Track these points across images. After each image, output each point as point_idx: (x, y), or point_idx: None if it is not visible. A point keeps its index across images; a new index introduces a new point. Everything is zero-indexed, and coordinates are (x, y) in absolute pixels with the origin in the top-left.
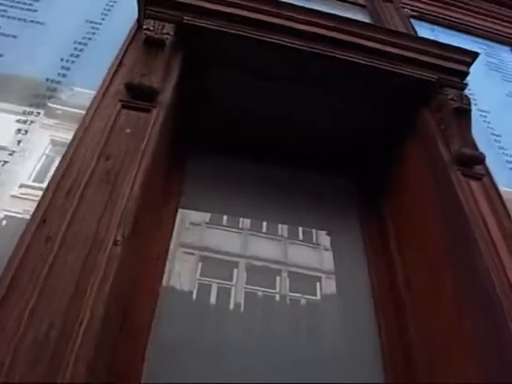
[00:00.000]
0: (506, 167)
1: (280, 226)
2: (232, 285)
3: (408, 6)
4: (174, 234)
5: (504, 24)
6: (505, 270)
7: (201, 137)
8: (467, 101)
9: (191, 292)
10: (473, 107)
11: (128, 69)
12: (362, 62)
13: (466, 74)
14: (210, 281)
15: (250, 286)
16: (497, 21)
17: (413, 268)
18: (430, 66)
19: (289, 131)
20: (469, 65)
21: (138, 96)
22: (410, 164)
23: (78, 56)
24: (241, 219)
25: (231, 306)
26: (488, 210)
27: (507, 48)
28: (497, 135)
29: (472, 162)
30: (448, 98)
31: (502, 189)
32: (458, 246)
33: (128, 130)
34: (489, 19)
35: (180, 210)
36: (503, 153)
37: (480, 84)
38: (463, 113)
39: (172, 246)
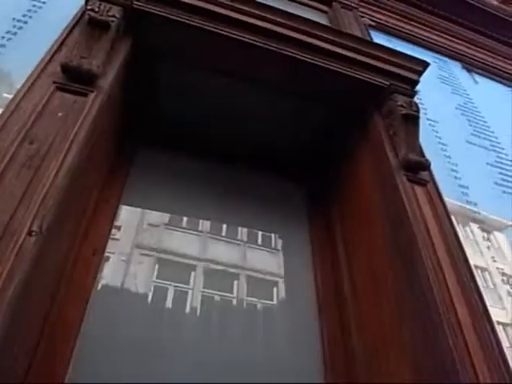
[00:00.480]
0: (450, 175)
1: (240, 229)
2: (189, 288)
3: (367, 16)
4: (132, 234)
5: (457, 41)
6: (444, 276)
7: (152, 131)
8: (416, 108)
9: (146, 294)
10: (423, 116)
11: (68, 50)
12: (315, 62)
13: (417, 82)
14: (166, 284)
15: (207, 290)
16: (450, 37)
17: (358, 273)
18: (382, 71)
19: (241, 131)
20: (420, 73)
21: (75, 79)
22: (360, 168)
23: (15, 34)
24: (200, 222)
25: (187, 309)
26: (430, 216)
27: (458, 63)
28: (444, 144)
29: (418, 168)
30: (397, 105)
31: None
32: (401, 251)
33: (60, 114)
34: (443, 35)
35: (139, 210)
36: (448, 162)
37: (431, 95)
38: (411, 119)
39: (128, 247)
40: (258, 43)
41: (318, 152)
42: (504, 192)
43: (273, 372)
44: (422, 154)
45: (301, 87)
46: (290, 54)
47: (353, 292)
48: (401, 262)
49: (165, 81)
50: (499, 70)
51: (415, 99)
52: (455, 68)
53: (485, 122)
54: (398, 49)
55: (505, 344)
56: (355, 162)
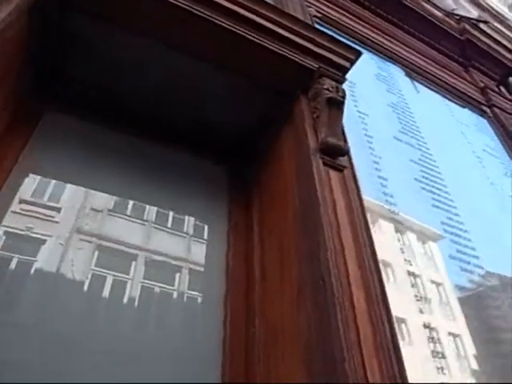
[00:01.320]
0: (371, 166)
1: (170, 213)
2: (129, 278)
3: (314, 7)
4: (72, 218)
5: (398, 44)
6: (346, 262)
7: (65, 94)
8: (343, 94)
9: (83, 282)
10: (353, 108)
11: None
12: (251, 38)
13: (347, 69)
14: (105, 272)
15: (147, 281)
16: (392, 39)
17: (269, 257)
18: (313, 54)
19: (166, 106)
20: (351, 62)
21: None
22: (282, 151)
23: None
24: (146, 210)
25: (125, 300)
26: (342, 201)
27: (397, 65)
28: (369, 136)
29: (336, 153)
30: (324, 88)
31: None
32: (308, 234)
33: None
34: (386, 36)
35: (82, 193)
36: (371, 153)
37: (366, 90)
38: (336, 104)
39: (67, 232)
40: (181, 5)
41: (246, 133)
42: (422, 188)
43: (169, 360)
44: (343, 140)
45: (233, 63)
46: (226, 26)
47: (262, 276)
48: (306, 245)
49: (81, 35)
50: (436, 77)
51: (348, 89)
52: (394, 69)
53: (414, 121)
54: None
55: None
56: (279, 144)
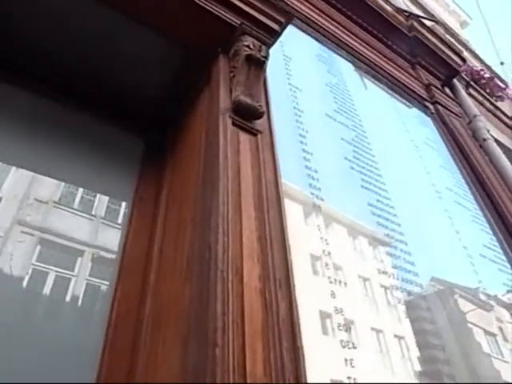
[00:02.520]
0: (297, 140)
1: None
2: (73, 275)
3: None
4: (13, 209)
5: (343, 30)
6: (242, 230)
7: None
8: (265, 54)
9: (22, 278)
10: (285, 81)
11: None
12: None
13: (276, 32)
14: (47, 268)
15: (92, 279)
16: (338, 25)
17: (168, 231)
18: (237, 9)
19: (73, 65)
20: (281, 24)
21: None
22: (196, 116)
23: None
24: (95, 204)
25: (68, 298)
26: (249, 167)
27: (341, 51)
28: (299, 110)
29: (250, 114)
30: (244, 45)
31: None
32: (205, 200)
33: None
34: (332, 22)
35: (25, 183)
36: (299, 127)
37: (304, 66)
38: (256, 63)
39: (8, 223)
40: None
41: (163, 99)
42: (352, 168)
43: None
44: (262, 103)
45: (148, 16)
46: None
47: (160, 251)
48: (201, 212)
49: None
50: (383, 70)
51: (283, 63)
52: (337, 54)
53: (353, 104)
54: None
55: None
56: (195, 109)
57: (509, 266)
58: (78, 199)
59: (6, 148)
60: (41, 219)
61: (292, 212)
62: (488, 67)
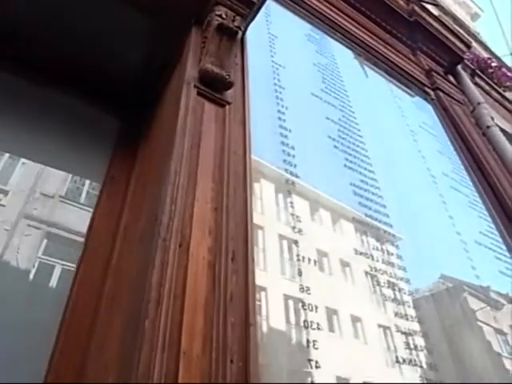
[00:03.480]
0: (274, 116)
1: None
2: None
3: None
4: (21, 202)
5: (340, 14)
6: (194, 199)
7: None
8: (239, 24)
9: (29, 271)
10: (268, 58)
11: None
12: None
13: (254, 4)
14: (53, 261)
15: None
16: (331, 6)
17: (133, 206)
18: None
19: (46, 33)
20: None
21: None
22: (168, 90)
23: None
24: None
25: None
26: (212, 139)
27: (337, 35)
28: (280, 86)
29: (218, 85)
30: (216, 14)
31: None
32: (160, 170)
33: None
34: (325, 3)
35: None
36: (278, 103)
37: (290, 46)
38: (228, 33)
39: (14, 216)
40: None
41: (135, 74)
42: (335, 147)
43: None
44: (228, 71)
45: None
46: None
47: (125, 229)
48: (157, 183)
49: None
50: (382, 55)
51: (267, 41)
52: (328, 36)
53: (343, 85)
54: (274, 8)
55: None
56: (167, 84)
57: (507, 254)
58: (84, 194)
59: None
60: (47, 213)
61: (264, 189)
62: (497, 58)
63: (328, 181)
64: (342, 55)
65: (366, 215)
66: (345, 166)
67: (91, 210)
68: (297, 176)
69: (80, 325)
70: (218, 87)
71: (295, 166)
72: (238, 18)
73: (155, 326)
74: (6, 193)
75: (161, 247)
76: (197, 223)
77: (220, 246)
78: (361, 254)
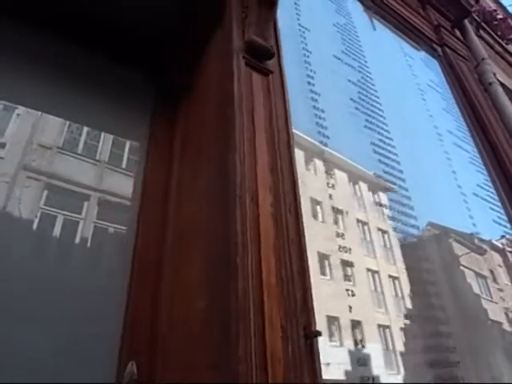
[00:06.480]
0: (305, 81)
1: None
2: (81, 218)
3: None
4: (18, 154)
5: None
6: (256, 162)
7: None
8: None
9: (32, 221)
10: (295, 22)
11: None
12: None
13: None
14: (55, 211)
15: (100, 221)
16: None
17: (186, 165)
18: None
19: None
20: None
21: None
22: (207, 58)
23: None
24: (99, 149)
25: (77, 240)
26: (262, 107)
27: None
28: (307, 50)
29: (262, 55)
30: None
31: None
32: (222, 136)
33: None
34: None
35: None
36: (307, 67)
37: (312, 7)
38: (266, 3)
39: (13, 168)
40: None
41: (173, 38)
42: (356, 108)
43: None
44: (273, 43)
45: None
46: None
47: (178, 184)
48: (218, 148)
49: None
50: (392, 9)
51: (292, 1)
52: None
53: (360, 45)
54: None
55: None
56: (207, 49)
57: (499, 204)
58: (81, 145)
59: (23, 91)
60: (46, 164)
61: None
62: (504, 9)
63: (352, 141)
64: (357, 13)
65: (384, 172)
66: (365, 126)
67: (89, 160)
68: (328, 137)
69: (150, 262)
70: (261, 57)
71: (326, 128)
72: None
73: (244, 262)
74: (3, 145)
75: (238, 203)
76: (260, 182)
77: (279, 200)
78: (380, 205)
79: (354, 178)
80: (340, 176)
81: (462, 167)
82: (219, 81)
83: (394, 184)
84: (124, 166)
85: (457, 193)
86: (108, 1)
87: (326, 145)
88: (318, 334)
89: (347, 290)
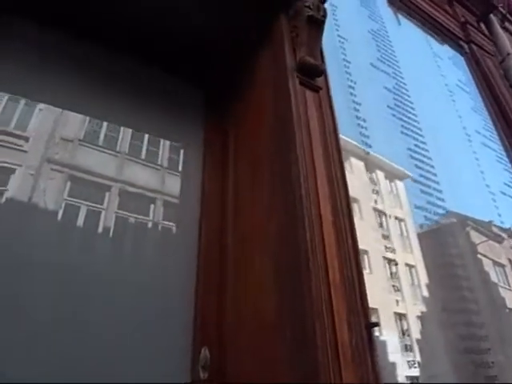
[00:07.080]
0: (347, 92)
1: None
2: (103, 208)
3: None
4: (41, 148)
5: None
6: (316, 176)
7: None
8: (323, 13)
9: (56, 212)
10: (334, 32)
11: None
12: None
13: None
14: (78, 202)
15: (121, 212)
16: None
17: (242, 176)
18: None
19: (135, 15)
20: None
21: None
22: (259, 72)
23: None
24: (119, 141)
25: (100, 229)
26: (316, 121)
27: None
28: (347, 61)
29: (313, 73)
30: (304, 5)
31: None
32: (280, 150)
33: None
34: None
35: (51, 122)
36: (348, 78)
37: (348, 15)
38: (316, 23)
39: (37, 161)
40: None
41: (221, 55)
42: (393, 115)
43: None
44: (320, 60)
45: None
46: None
47: (235, 194)
48: (279, 162)
49: None
50: (419, 8)
51: (329, 12)
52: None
53: (393, 50)
54: None
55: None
56: (257, 65)
57: None
58: (102, 136)
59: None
60: (68, 157)
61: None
62: None
63: (391, 148)
64: (387, 16)
65: (421, 175)
66: (401, 132)
67: (110, 151)
68: (370, 146)
69: (213, 264)
70: (312, 75)
71: (368, 137)
72: (321, 6)
73: (315, 265)
74: (26, 139)
75: (306, 213)
76: (321, 192)
77: (336, 208)
78: (418, 208)
79: (395, 183)
80: (384, 184)
81: (489, 167)
82: (274, 98)
83: (429, 187)
84: (143, 156)
85: (485, 192)
86: (161, 22)
87: (368, 153)
88: (377, 324)
89: (393, 285)
